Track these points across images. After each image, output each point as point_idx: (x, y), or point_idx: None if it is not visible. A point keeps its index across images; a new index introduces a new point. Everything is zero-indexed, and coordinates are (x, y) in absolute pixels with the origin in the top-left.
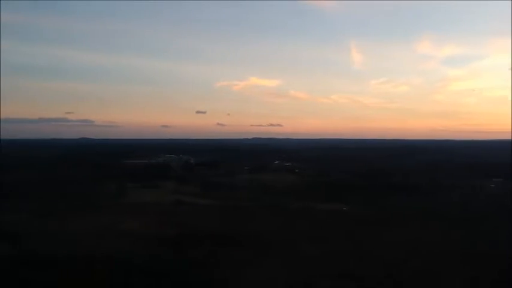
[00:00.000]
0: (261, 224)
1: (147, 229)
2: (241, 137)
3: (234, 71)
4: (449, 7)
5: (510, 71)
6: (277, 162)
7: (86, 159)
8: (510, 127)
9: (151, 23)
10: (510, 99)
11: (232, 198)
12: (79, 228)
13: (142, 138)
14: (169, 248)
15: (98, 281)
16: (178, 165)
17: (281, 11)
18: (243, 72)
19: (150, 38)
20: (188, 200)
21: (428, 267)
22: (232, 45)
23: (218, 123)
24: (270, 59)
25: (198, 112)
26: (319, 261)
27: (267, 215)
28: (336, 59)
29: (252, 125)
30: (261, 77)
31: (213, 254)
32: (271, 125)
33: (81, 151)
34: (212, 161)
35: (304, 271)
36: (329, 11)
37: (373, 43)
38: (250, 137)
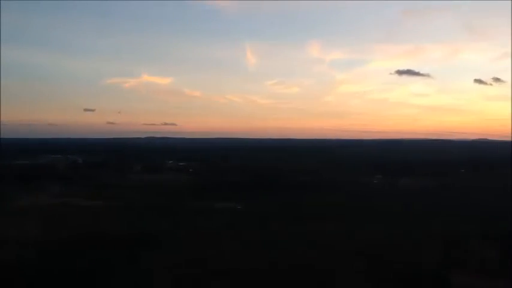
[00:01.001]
0: (155, 224)
1: (29, 234)
2: (134, 136)
3: (125, 67)
4: (338, 14)
5: (391, 75)
6: (171, 162)
7: None
8: (390, 128)
9: (34, 14)
10: (390, 101)
11: (122, 199)
12: None
13: (28, 137)
14: (56, 251)
15: None
16: (65, 166)
17: (176, 9)
18: (135, 69)
19: (32, 29)
20: (75, 202)
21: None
22: (123, 41)
23: (108, 122)
24: (163, 57)
25: (86, 110)
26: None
27: (161, 215)
28: (231, 59)
29: (145, 124)
30: (154, 75)
31: (100, 259)
32: (165, 123)
33: None
34: (101, 161)
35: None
36: (225, 12)
37: (267, 45)
38: (143, 136)
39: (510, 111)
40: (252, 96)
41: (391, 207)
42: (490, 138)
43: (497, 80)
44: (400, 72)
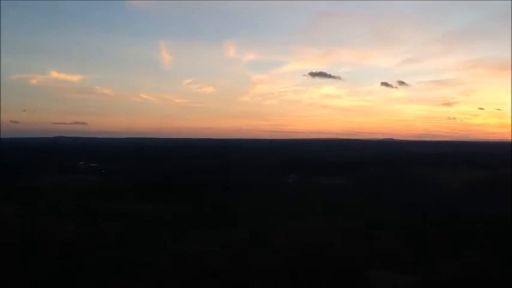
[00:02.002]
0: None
1: None
2: (41, 136)
3: (30, 63)
4: (254, 15)
5: (304, 77)
6: (81, 163)
7: None
8: (305, 128)
9: None
10: (305, 102)
11: (26, 204)
12: None
13: None
14: None
15: None
16: None
17: (87, 5)
18: (42, 65)
19: None
20: None
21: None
22: (29, 35)
23: (12, 121)
24: (73, 53)
25: None
26: None
27: (73, 220)
28: (145, 58)
29: (54, 123)
30: (63, 72)
31: None
32: (76, 122)
33: None
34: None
35: None
36: (139, 9)
37: (182, 44)
38: (51, 135)
39: (414, 113)
40: (167, 95)
41: (303, 206)
42: (396, 138)
43: (402, 83)
44: (313, 74)
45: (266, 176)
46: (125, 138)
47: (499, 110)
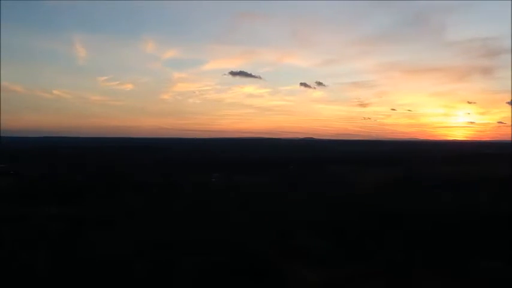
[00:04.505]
0: None
1: None
2: None
3: None
4: (175, 12)
5: (225, 76)
6: None
7: None
8: (227, 127)
9: None
10: (227, 101)
11: None
12: None
13: None
14: None
15: None
16: None
17: None
18: None
19: None
20: None
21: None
22: None
23: None
24: None
25: None
26: None
27: None
28: (58, 52)
29: None
30: None
31: None
32: None
33: None
34: None
35: None
36: (50, 1)
37: (99, 39)
38: None
39: (332, 113)
40: (82, 92)
41: (225, 205)
42: (315, 137)
43: (320, 84)
44: (233, 74)
45: (191, 175)
46: (38, 137)
47: (409, 110)
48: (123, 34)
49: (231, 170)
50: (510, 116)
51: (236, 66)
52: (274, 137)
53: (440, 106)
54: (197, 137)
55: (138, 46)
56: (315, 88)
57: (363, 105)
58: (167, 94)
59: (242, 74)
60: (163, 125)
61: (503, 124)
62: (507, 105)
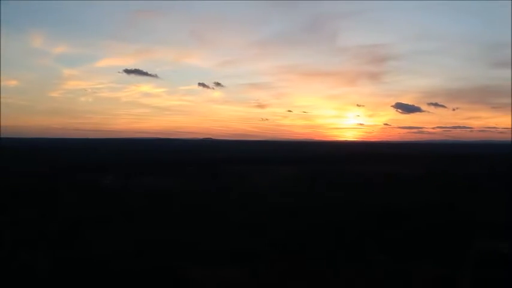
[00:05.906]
0: None
1: None
2: None
3: None
4: (66, 6)
5: (119, 74)
6: None
7: None
8: (122, 127)
9: None
10: (122, 100)
11: None
12: None
13: None
14: None
15: None
16: None
17: None
18: None
19: None
20: None
21: None
22: None
23: None
24: None
25: None
26: None
27: None
28: None
29: None
30: None
31: None
32: None
33: None
34: None
35: None
36: None
37: None
38: None
39: (230, 114)
40: None
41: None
42: (214, 138)
43: (218, 84)
44: (128, 72)
45: (82, 176)
46: None
47: (305, 112)
48: (8, 26)
49: (128, 172)
50: (394, 118)
51: (131, 64)
52: (172, 137)
53: (333, 108)
54: (91, 137)
55: (24, 40)
56: (213, 88)
57: (261, 106)
58: (56, 92)
59: (137, 72)
60: (52, 125)
61: (388, 126)
62: (392, 108)
